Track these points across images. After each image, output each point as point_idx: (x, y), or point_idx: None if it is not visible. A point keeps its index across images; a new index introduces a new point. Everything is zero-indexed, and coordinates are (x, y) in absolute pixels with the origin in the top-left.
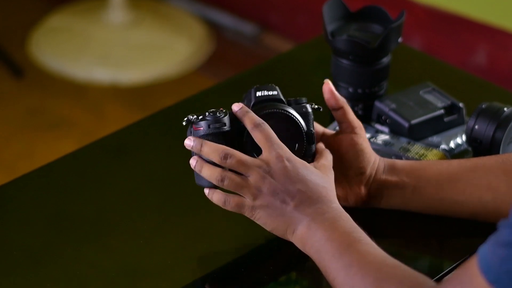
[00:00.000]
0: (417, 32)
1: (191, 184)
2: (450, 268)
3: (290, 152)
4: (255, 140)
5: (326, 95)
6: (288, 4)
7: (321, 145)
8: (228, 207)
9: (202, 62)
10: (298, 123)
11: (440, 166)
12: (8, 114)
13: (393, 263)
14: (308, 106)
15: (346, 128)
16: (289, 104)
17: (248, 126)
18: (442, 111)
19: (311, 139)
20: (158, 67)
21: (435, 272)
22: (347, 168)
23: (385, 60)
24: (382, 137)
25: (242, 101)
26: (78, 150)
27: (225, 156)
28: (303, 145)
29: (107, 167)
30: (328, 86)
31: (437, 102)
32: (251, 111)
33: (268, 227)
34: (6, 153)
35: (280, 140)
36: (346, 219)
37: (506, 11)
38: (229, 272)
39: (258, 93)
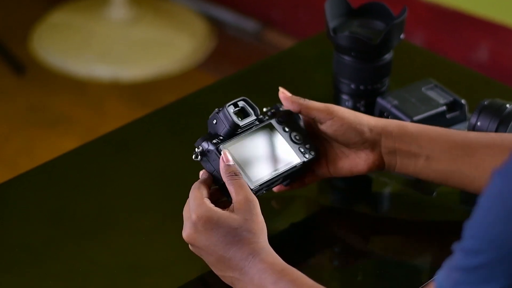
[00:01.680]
0: (419, 29)
1: (193, 180)
2: None
3: (208, 212)
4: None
5: (284, 103)
6: (290, 1)
7: (242, 181)
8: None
9: (203, 59)
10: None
11: (456, 137)
12: (9, 110)
13: None
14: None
15: (320, 119)
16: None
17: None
18: (444, 107)
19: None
20: (159, 64)
21: (435, 270)
22: (346, 143)
23: (387, 56)
24: None
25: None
26: (79, 147)
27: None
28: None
29: (108, 164)
30: (282, 95)
31: (439, 98)
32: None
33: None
34: (7, 149)
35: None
36: (269, 263)
37: (508, 8)
38: None
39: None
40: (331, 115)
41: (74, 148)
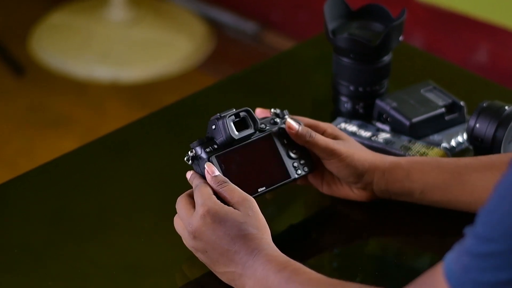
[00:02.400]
0: (418, 31)
1: None
2: None
3: (216, 206)
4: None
5: (292, 137)
6: (289, 2)
7: (232, 186)
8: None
9: (203, 60)
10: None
11: (447, 167)
12: (9, 111)
13: (340, 282)
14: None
15: (321, 157)
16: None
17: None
18: (443, 109)
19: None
20: (159, 65)
21: None
22: (342, 179)
23: (386, 58)
24: (383, 136)
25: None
26: (79, 148)
27: (195, 186)
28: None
29: (108, 165)
30: (290, 130)
31: (438, 100)
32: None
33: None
34: (7, 150)
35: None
36: (274, 256)
37: (507, 10)
38: None
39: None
40: (330, 156)
41: (74, 149)
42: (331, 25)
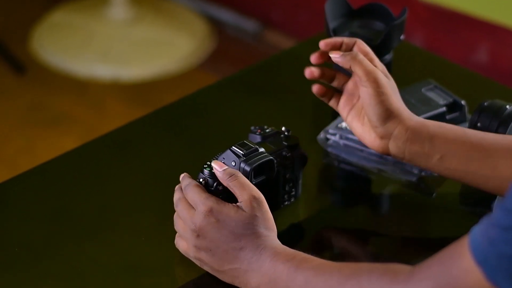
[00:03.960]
0: (419, 30)
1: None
2: None
3: (218, 204)
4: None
5: (337, 62)
6: (290, 1)
7: (242, 180)
8: (179, 248)
9: (203, 59)
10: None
11: (473, 139)
12: (9, 110)
13: (354, 263)
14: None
15: (360, 80)
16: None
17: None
18: (444, 108)
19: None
20: (159, 64)
21: None
22: (369, 115)
23: (387, 57)
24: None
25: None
26: (79, 147)
27: (185, 187)
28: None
29: (108, 164)
30: (334, 56)
31: (439, 99)
32: (182, 181)
33: (221, 278)
34: (7, 149)
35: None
36: (283, 250)
37: (507, 9)
38: None
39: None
40: (370, 82)
41: (74, 148)
42: (332, 24)
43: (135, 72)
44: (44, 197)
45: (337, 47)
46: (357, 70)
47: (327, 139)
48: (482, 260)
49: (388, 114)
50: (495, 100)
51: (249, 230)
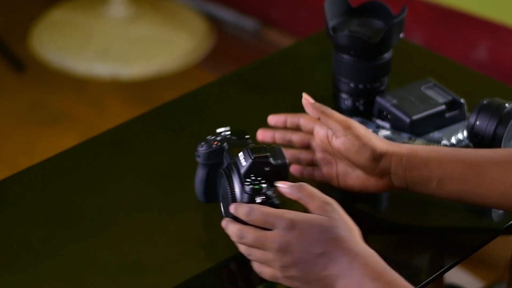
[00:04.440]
0: (418, 28)
1: (192, 178)
2: (450, 264)
3: (293, 215)
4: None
5: (306, 109)
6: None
7: (310, 189)
8: (266, 277)
9: (203, 57)
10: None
11: (466, 158)
12: (9, 108)
13: None
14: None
15: (336, 132)
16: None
17: (244, 218)
18: (443, 106)
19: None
20: (159, 62)
21: (436, 269)
22: (357, 164)
23: (387, 55)
24: (384, 133)
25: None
26: (78, 145)
27: (248, 213)
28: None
29: (108, 162)
30: (305, 101)
31: (439, 97)
32: (239, 209)
33: None
34: (7, 147)
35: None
36: (372, 262)
37: (507, 7)
38: (231, 267)
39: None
40: (347, 130)
41: (73, 146)
42: (331, 22)
43: (135, 70)
44: (44, 195)
45: (282, 124)
46: (331, 124)
47: None
48: None
49: (378, 152)
50: (494, 99)
51: (333, 234)
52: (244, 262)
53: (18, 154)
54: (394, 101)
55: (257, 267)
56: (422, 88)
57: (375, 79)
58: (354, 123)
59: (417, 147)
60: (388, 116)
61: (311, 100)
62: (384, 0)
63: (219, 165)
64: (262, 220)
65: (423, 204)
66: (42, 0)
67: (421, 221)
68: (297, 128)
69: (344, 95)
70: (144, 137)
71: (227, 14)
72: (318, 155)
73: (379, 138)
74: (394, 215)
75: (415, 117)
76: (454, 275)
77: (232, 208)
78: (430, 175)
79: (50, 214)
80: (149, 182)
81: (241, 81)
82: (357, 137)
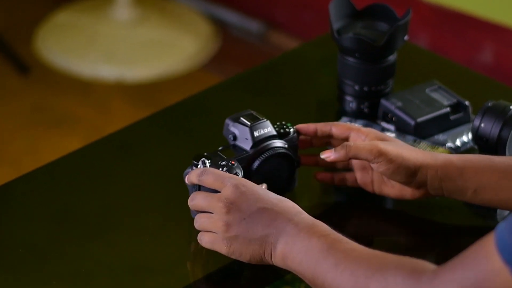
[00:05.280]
0: (423, 30)
1: None
2: None
3: (242, 179)
4: (208, 186)
5: (330, 160)
6: (294, 2)
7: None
8: (203, 243)
9: (208, 60)
10: (291, 157)
11: (501, 166)
12: (14, 110)
13: (383, 254)
14: (295, 136)
15: (368, 160)
16: (280, 136)
17: (195, 181)
18: (448, 109)
19: (297, 164)
20: (164, 64)
21: None
22: (395, 180)
23: (391, 58)
24: (388, 135)
25: (226, 132)
26: (83, 147)
27: (201, 174)
28: (293, 171)
29: (113, 164)
30: (326, 158)
31: (443, 100)
32: (192, 173)
33: (245, 258)
34: (11, 149)
35: (274, 172)
36: (320, 224)
37: None
38: (235, 269)
39: (256, 133)
40: (378, 158)
41: (78, 148)
42: (336, 25)
43: (140, 73)
44: (48, 197)
45: (312, 133)
46: (360, 155)
47: None
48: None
49: (413, 169)
50: (499, 101)
51: (281, 197)
52: (250, 265)
53: (23, 156)
54: (399, 104)
55: (199, 235)
56: (427, 90)
57: (380, 81)
58: (382, 147)
59: (452, 157)
60: (393, 118)
61: (331, 152)
62: (389, 3)
63: None
64: (213, 180)
65: (428, 205)
66: (47, 2)
67: (425, 222)
68: (328, 137)
69: (349, 98)
70: (149, 139)
71: (232, 17)
72: (354, 160)
73: (411, 151)
74: (398, 216)
75: (419, 119)
76: None
77: (187, 177)
78: (466, 185)
79: (55, 216)
80: (154, 184)
81: (246, 84)
82: (390, 161)
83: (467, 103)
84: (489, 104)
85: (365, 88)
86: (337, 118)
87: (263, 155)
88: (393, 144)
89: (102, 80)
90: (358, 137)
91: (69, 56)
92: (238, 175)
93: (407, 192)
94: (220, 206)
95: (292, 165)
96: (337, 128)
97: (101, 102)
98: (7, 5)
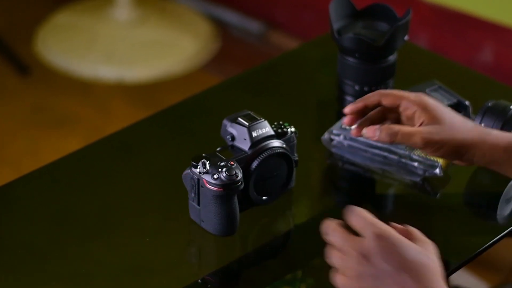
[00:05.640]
0: (423, 30)
1: None
2: (456, 266)
3: (387, 228)
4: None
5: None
6: (294, 2)
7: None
8: (336, 284)
9: (207, 60)
10: (289, 156)
11: None
12: (14, 111)
13: None
14: (293, 136)
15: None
16: (278, 136)
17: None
18: None
19: (295, 164)
20: (164, 65)
21: None
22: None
23: (391, 58)
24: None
25: (224, 133)
26: (83, 148)
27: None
28: (291, 171)
29: (113, 165)
30: (371, 135)
31: (443, 100)
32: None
33: None
34: (11, 150)
35: (273, 172)
36: None
37: None
38: (235, 269)
39: (254, 134)
40: (426, 146)
41: (78, 149)
42: (336, 25)
43: (140, 73)
44: (49, 198)
45: (362, 108)
46: (407, 143)
47: (331, 140)
48: None
49: (460, 153)
50: (500, 101)
51: (421, 259)
52: (249, 265)
53: (23, 156)
54: None
55: (334, 275)
56: (427, 90)
57: (380, 81)
58: (428, 136)
59: (500, 141)
60: None
61: (373, 128)
62: (389, 3)
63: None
64: (357, 223)
65: (428, 207)
66: (47, 2)
67: (426, 223)
68: (377, 106)
69: (349, 98)
70: (149, 140)
71: (232, 17)
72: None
73: (459, 133)
74: (398, 218)
75: None
76: (460, 277)
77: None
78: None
79: (55, 217)
80: (154, 185)
81: (246, 84)
82: (437, 149)
83: (467, 103)
84: (489, 104)
85: (365, 88)
86: (337, 118)
87: (261, 155)
88: (441, 128)
89: (102, 80)
90: (409, 106)
91: (69, 56)
92: (237, 176)
93: (454, 161)
94: (354, 253)
95: (291, 165)
96: (386, 98)
97: (101, 103)
98: (7, 5)
